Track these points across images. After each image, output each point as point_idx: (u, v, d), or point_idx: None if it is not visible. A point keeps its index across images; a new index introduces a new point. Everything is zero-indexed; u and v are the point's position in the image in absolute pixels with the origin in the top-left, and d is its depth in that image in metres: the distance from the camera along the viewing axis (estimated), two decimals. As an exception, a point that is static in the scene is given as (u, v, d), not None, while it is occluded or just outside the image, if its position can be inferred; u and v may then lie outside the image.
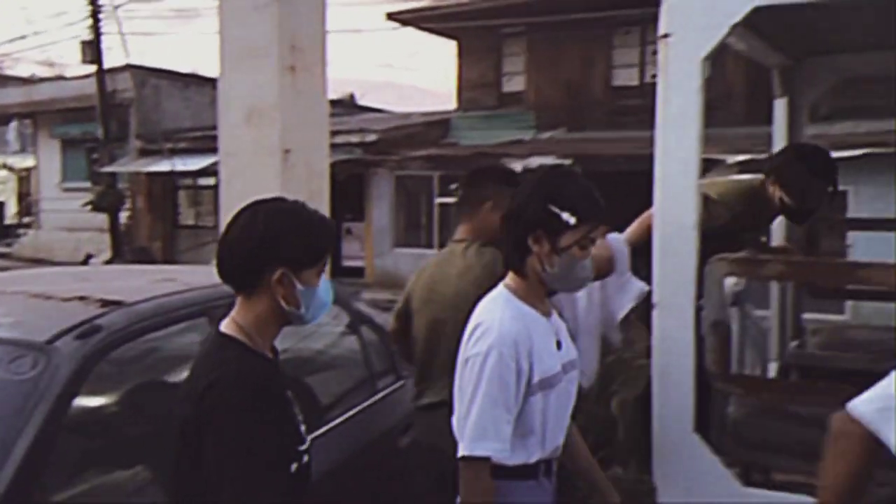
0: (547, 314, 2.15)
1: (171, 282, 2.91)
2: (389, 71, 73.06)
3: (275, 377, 1.82)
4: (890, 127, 9.50)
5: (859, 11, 2.98)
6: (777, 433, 2.64)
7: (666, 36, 2.52)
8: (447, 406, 2.72)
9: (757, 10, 2.46)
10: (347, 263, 17.52)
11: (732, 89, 15.14)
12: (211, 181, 16.74)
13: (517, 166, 13.88)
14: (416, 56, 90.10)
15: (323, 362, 3.61)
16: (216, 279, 1.88)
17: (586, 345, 2.82)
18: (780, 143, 3.93)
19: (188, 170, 17.13)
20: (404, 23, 19.09)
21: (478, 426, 1.95)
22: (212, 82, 11.12)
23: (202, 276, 3.13)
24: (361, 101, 24.80)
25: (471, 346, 2.03)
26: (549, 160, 14.51)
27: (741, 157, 12.72)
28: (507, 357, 1.96)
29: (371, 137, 16.16)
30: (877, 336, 3.86)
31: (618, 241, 2.84)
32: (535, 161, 14.56)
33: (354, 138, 16.00)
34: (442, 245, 18.38)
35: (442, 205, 16.83)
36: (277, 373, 1.87)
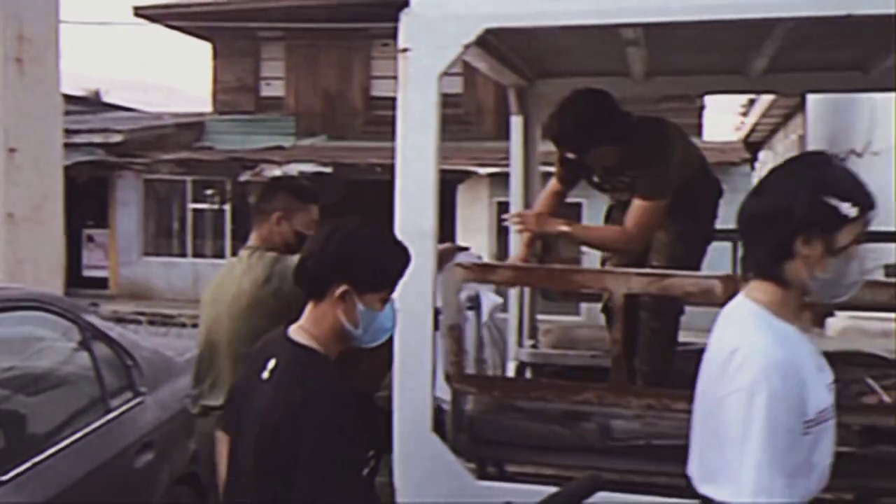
0: (806, 330, 1.78)
1: None
2: (144, 69, 68.71)
3: (351, 388, 1.98)
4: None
5: (582, 39, 3.25)
6: (508, 428, 2.81)
7: (405, 50, 2.60)
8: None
9: (489, 32, 2.61)
10: (89, 273, 16.26)
11: (483, 105, 16.03)
12: (-76, 181, 14.80)
13: (276, 172, 13.69)
14: (174, 54, 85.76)
15: (51, 381, 3.36)
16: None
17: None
18: (517, 158, 4.19)
19: None
20: (152, 19, 18.13)
21: (757, 479, 1.61)
22: (-76, 70, 9.85)
23: None
24: (108, 99, 23.22)
25: (729, 380, 1.66)
26: (309, 167, 14.47)
27: (492, 170, 13.50)
28: (777, 395, 1.61)
29: (116, 138, 15.13)
30: (600, 334, 4.25)
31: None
32: (293, 168, 14.44)
33: (97, 138, 14.89)
34: (196, 253, 17.53)
35: (196, 211, 16.18)
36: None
